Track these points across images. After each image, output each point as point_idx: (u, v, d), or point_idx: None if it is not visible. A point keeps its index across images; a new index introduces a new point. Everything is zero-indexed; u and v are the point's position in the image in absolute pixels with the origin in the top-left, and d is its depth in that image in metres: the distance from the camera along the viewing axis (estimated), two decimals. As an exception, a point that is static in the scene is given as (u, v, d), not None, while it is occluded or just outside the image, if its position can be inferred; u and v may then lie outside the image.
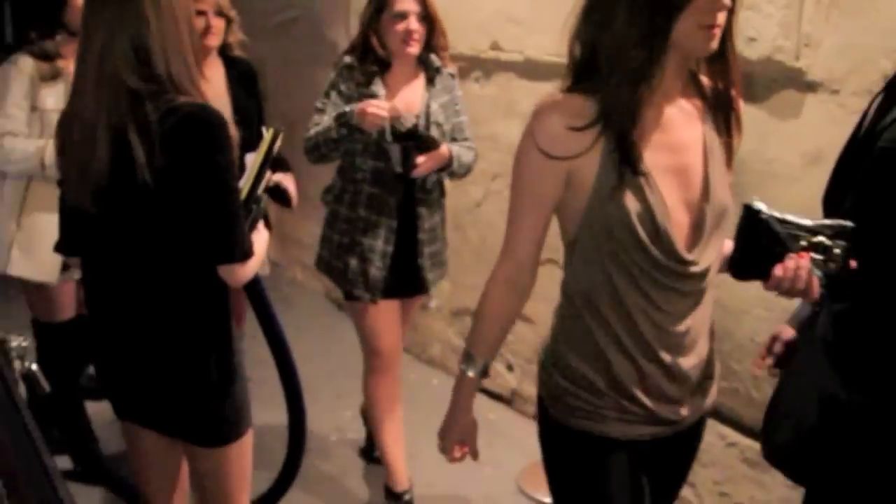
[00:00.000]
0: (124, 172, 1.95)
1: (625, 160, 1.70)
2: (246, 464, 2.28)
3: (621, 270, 1.77)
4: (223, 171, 2.00)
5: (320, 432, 3.85)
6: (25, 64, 3.18)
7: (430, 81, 3.20)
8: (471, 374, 1.95)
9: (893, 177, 1.77)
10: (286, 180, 3.44)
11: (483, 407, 4.19)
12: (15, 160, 3.16)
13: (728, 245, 1.86)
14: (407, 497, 3.33)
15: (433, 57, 3.19)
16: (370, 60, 3.11)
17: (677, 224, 1.76)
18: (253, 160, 2.25)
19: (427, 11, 3.08)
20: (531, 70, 3.89)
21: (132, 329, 2.13)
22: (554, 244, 4.17)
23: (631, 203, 1.71)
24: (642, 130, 1.72)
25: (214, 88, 3.26)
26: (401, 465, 3.33)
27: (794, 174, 2.84)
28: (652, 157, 1.73)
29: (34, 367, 2.62)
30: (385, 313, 3.23)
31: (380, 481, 3.39)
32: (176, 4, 2.00)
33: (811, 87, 2.79)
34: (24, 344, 2.32)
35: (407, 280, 3.24)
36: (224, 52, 3.43)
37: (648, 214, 1.72)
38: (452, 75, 3.26)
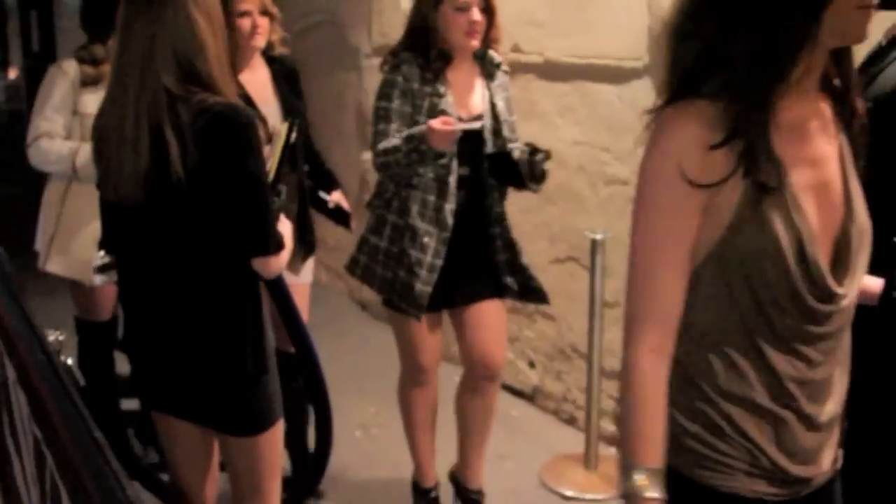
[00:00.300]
0: (161, 169, 2.03)
1: (764, 177, 1.41)
2: (277, 453, 2.35)
3: (756, 308, 1.47)
4: (253, 168, 2.09)
5: (345, 428, 3.90)
6: (69, 67, 3.27)
7: (490, 77, 3.05)
8: (653, 494, 1.43)
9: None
10: (341, 199, 3.41)
11: (505, 403, 4.25)
12: (50, 161, 3.25)
13: (870, 284, 1.65)
14: (433, 494, 3.37)
15: (492, 52, 3.04)
16: (433, 56, 2.93)
17: (822, 251, 1.49)
18: (270, 154, 2.30)
19: (487, 2, 2.92)
20: (551, 71, 3.94)
21: (168, 322, 2.21)
22: (574, 241, 4.16)
23: (778, 228, 1.43)
24: (780, 142, 1.44)
25: (260, 89, 3.21)
26: (431, 464, 3.35)
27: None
28: (792, 174, 1.46)
29: (69, 361, 2.69)
30: (429, 327, 3.10)
31: (404, 477, 3.45)
32: (213, 6, 2.09)
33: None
34: (60, 338, 2.39)
35: (465, 287, 3.07)
36: (266, 51, 3.31)
37: (796, 241, 1.44)
38: (506, 72, 3.12)
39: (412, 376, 3.22)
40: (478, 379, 3.19)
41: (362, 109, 5.18)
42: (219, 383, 2.21)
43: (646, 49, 3.54)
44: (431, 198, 2.95)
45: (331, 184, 3.47)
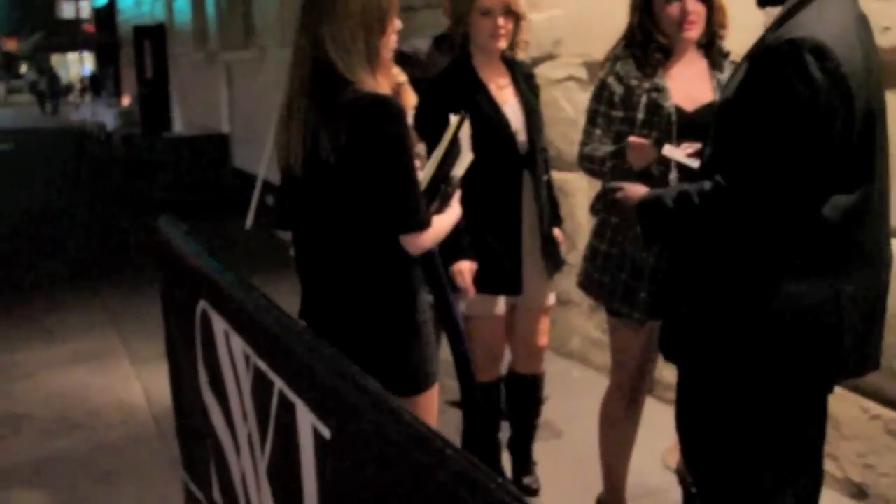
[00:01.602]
0: (316, 148, 2.24)
1: None
2: (431, 415, 2.50)
3: None
4: (399, 151, 2.24)
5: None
6: None
7: (718, 67, 2.83)
8: None
9: (725, 128, 2.08)
10: (560, 236, 3.33)
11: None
12: None
13: None
14: None
15: (719, 42, 2.83)
16: (652, 49, 2.75)
17: None
18: (441, 143, 2.47)
19: None
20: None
21: (331, 289, 2.41)
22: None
23: None
24: None
25: (501, 91, 3.14)
26: (625, 485, 3.24)
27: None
28: None
29: None
30: (647, 335, 2.90)
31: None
32: (363, 6, 2.25)
33: (945, 72, 2.90)
34: None
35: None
36: (506, 52, 3.16)
37: None
38: (733, 62, 2.81)
39: (625, 391, 3.06)
40: (642, 391, 3.13)
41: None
42: (374, 345, 2.37)
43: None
44: None
45: (555, 218, 3.34)
